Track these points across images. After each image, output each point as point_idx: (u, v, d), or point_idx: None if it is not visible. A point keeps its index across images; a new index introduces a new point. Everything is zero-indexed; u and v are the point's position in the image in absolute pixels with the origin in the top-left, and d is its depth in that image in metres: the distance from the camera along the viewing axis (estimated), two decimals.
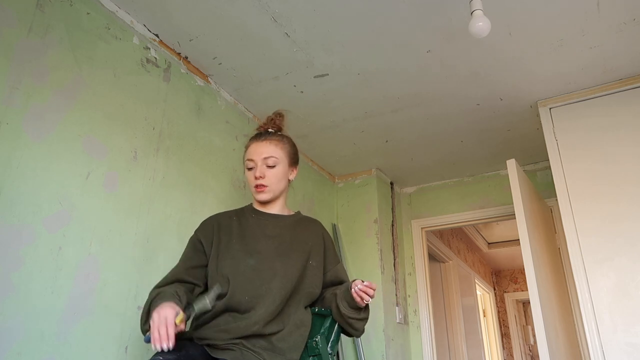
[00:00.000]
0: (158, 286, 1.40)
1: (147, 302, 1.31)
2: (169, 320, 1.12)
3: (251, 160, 1.58)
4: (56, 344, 1.36)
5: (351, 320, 1.45)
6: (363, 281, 1.38)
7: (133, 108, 1.79)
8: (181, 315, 1.15)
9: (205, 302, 1.26)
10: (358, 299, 1.38)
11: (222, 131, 2.27)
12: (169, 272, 1.47)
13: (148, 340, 1.15)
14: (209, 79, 2.23)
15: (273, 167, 1.57)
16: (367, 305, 1.46)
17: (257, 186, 1.55)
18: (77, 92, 1.58)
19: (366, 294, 1.36)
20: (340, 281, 1.59)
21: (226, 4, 1.79)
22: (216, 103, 2.27)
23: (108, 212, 1.61)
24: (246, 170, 1.61)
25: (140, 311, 1.62)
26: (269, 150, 1.57)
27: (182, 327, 1.14)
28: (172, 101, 1.99)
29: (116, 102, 1.72)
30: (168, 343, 1.09)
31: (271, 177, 1.56)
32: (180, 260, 1.49)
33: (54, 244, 1.41)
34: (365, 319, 1.49)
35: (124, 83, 1.77)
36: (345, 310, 1.43)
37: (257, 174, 1.54)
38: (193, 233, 1.55)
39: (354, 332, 1.50)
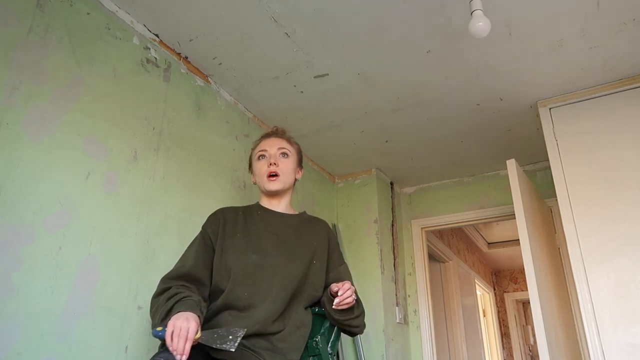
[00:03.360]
0: (170, 277, 1.38)
1: (167, 295, 1.28)
2: (189, 335, 1.12)
3: (264, 150, 1.62)
4: (56, 344, 1.36)
5: (346, 321, 1.44)
6: (344, 289, 1.37)
7: (133, 108, 1.79)
8: (199, 334, 1.16)
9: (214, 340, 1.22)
10: (339, 308, 1.38)
11: (222, 131, 2.27)
12: (180, 262, 1.45)
13: (157, 335, 1.15)
14: (209, 79, 2.23)
15: (287, 158, 1.62)
16: (357, 301, 1.45)
17: (269, 175, 1.57)
18: (77, 92, 1.58)
19: (344, 302, 1.36)
20: None
21: (226, 4, 1.79)
22: (216, 103, 2.26)
23: (108, 212, 1.61)
24: (256, 162, 1.63)
25: (140, 310, 1.63)
26: (283, 143, 1.64)
27: (194, 343, 1.15)
28: (172, 101, 1.99)
29: (116, 102, 1.72)
30: (184, 357, 1.10)
31: (283, 167, 1.60)
32: (191, 252, 1.47)
33: (54, 244, 1.41)
34: (359, 315, 1.47)
35: (124, 83, 1.77)
36: (335, 315, 1.43)
37: (272, 161, 1.58)
38: (201, 228, 1.55)
39: (355, 329, 1.49)
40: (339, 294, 1.36)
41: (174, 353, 1.10)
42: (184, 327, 1.12)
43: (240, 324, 1.33)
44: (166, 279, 1.39)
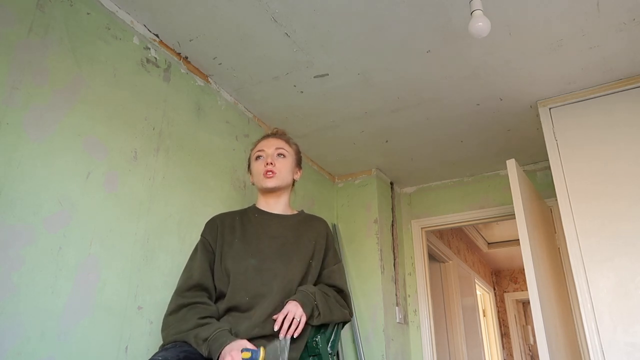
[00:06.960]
0: (182, 290, 1.41)
1: (202, 327, 1.30)
2: None
3: (262, 150, 1.66)
4: (56, 344, 1.36)
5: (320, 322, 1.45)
6: (279, 322, 1.34)
7: (133, 108, 1.79)
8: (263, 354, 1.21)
9: None
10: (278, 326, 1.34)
11: (222, 131, 2.27)
12: (187, 272, 1.47)
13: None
14: (209, 79, 2.23)
15: (283, 158, 1.64)
16: (316, 305, 1.43)
17: (266, 172, 1.59)
18: (77, 92, 1.58)
19: (290, 331, 1.32)
20: (333, 285, 1.56)
21: (226, 4, 1.79)
22: (216, 103, 2.26)
23: (108, 212, 1.61)
24: (254, 162, 1.66)
25: (140, 310, 1.63)
26: (280, 144, 1.67)
27: None
28: (172, 101, 1.99)
29: (116, 102, 1.72)
30: None
31: (280, 166, 1.62)
32: (196, 262, 1.48)
33: (54, 244, 1.41)
34: (323, 313, 1.45)
35: (124, 83, 1.77)
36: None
37: (269, 160, 1.61)
38: (200, 236, 1.56)
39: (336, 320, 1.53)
40: (275, 328, 1.33)
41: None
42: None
43: (239, 329, 1.34)
44: (179, 292, 1.41)
